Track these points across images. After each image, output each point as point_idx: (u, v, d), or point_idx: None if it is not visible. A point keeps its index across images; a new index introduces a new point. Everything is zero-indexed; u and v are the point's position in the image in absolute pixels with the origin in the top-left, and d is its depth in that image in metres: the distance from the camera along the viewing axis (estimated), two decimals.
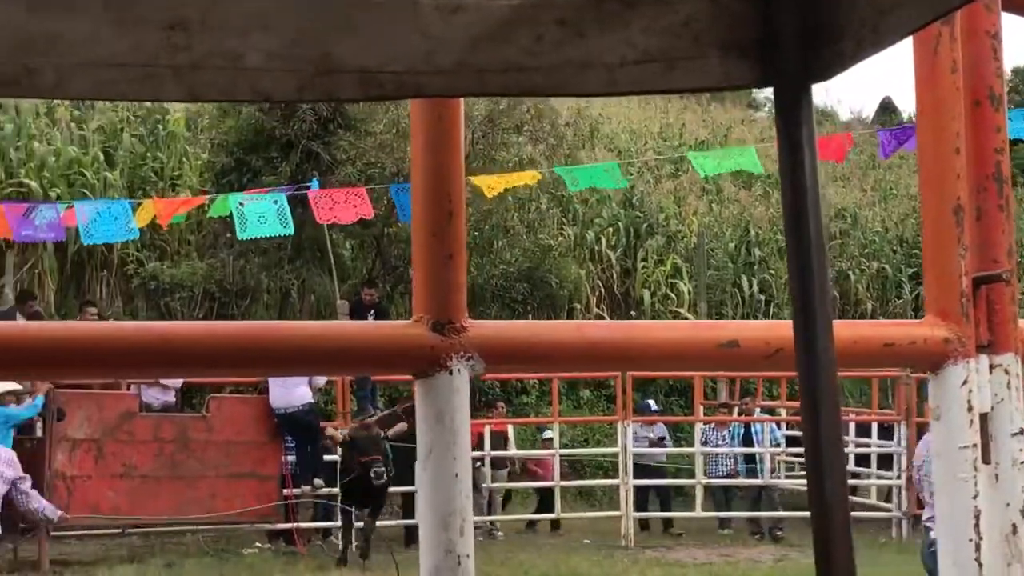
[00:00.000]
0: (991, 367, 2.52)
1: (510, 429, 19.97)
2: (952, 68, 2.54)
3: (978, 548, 2.47)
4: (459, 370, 2.14)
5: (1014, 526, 2.50)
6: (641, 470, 19.57)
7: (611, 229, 31.42)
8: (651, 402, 21.78)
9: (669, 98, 46.33)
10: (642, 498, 19.97)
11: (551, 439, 19.79)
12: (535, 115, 24.46)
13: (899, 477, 19.29)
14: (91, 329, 2.09)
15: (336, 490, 16.44)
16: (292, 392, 16.72)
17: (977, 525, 2.47)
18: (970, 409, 2.49)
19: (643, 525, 19.65)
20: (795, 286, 1.89)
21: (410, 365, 2.20)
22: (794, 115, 1.78)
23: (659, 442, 20.37)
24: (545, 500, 20.11)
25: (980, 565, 2.46)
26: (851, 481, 19.61)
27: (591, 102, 36.89)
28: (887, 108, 63.10)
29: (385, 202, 20.93)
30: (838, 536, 1.91)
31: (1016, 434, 2.53)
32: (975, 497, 2.48)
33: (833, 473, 1.91)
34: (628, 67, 1.72)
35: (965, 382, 2.49)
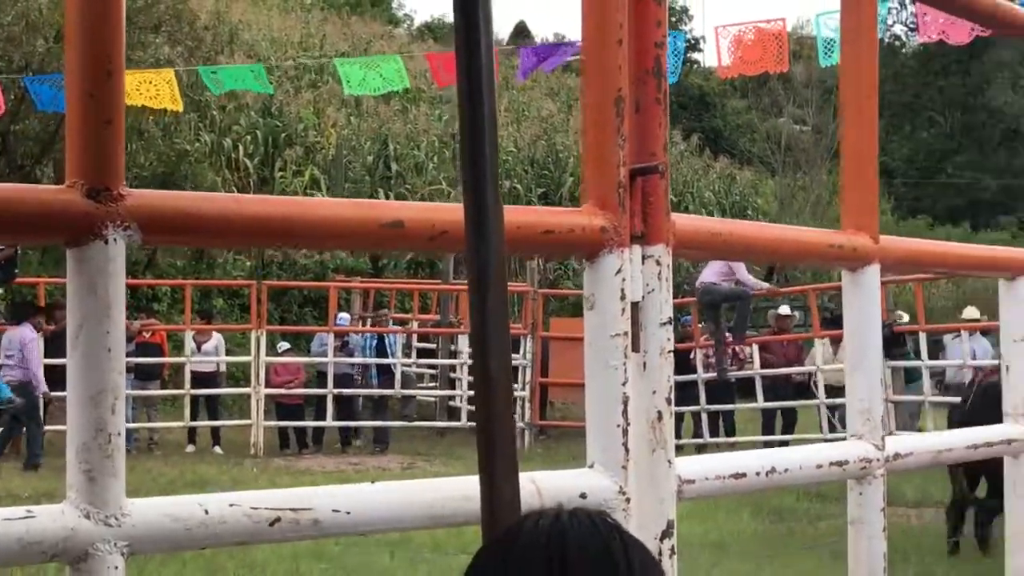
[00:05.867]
0: (643, 258, 2.58)
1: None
2: None
3: (625, 433, 2.53)
4: (115, 240, 2.03)
5: (659, 413, 2.58)
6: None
7: (249, 137, 30.99)
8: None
9: (310, 8, 45.88)
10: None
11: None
12: (173, 15, 23.74)
13: (524, 389, 19.83)
14: None
15: None
16: None
17: (625, 411, 2.54)
18: (623, 298, 2.54)
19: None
20: (467, 169, 1.90)
21: (62, 232, 2.06)
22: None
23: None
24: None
25: (627, 449, 2.54)
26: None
27: (231, 6, 36.15)
28: (521, 32, 64.48)
29: (12, 96, 19.90)
30: (500, 412, 1.93)
31: (664, 324, 2.61)
32: (624, 384, 2.54)
33: (499, 350, 1.92)
34: None
35: (619, 271, 2.53)
